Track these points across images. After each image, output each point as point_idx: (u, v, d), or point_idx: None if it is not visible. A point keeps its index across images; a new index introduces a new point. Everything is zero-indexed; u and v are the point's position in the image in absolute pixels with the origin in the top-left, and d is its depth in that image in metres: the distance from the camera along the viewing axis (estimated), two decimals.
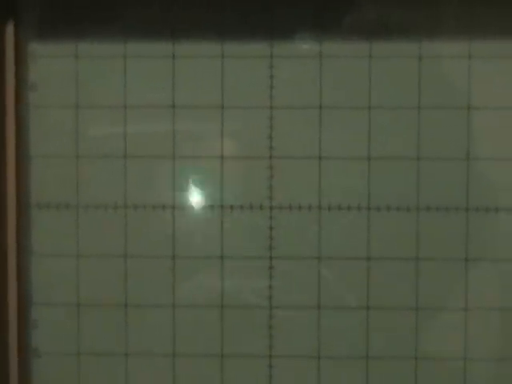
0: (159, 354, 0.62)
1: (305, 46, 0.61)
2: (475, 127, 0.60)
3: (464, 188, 0.61)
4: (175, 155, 0.62)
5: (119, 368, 0.63)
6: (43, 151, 0.62)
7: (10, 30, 0.61)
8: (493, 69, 0.60)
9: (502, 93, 0.60)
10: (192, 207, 0.62)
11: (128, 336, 0.62)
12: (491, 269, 0.61)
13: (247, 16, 0.61)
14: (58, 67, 0.62)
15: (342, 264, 0.61)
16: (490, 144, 0.61)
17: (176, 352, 0.62)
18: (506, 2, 0.60)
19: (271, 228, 0.62)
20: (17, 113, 0.61)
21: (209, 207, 0.62)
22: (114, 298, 0.62)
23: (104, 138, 0.62)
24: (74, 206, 0.62)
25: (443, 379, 0.61)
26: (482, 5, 0.60)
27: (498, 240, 0.61)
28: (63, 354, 0.63)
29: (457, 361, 0.61)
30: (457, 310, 0.61)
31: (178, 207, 0.62)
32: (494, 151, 0.61)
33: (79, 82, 0.62)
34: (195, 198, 0.62)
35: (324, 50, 0.61)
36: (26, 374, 0.63)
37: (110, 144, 0.62)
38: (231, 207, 0.62)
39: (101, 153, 0.62)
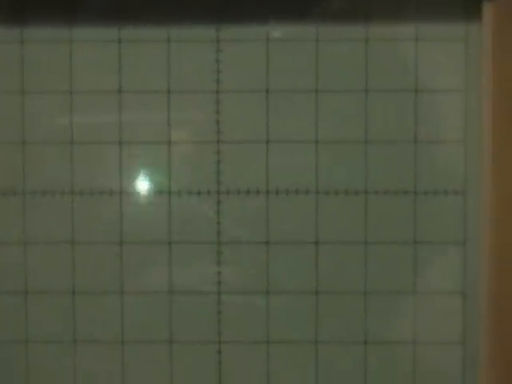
0: (108, 341, 0.62)
1: (251, 29, 0.61)
2: (422, 110, 0.60)
3: (412, 171, 0.60)
4: (122, 141, 0.61)
5: (67, 355, 0.62)
6: None
7: None
8: (439, 52, 0.60)
9: (448, 76, 0.60)
10: (139, 193, 0.61)
11: (76, 323, 0.62)
12: (439, 252, 0.61)
13: (193, 0, 0.61)
14: (3, 53, 0.61)
15: (290, 248, 0.61)
16: (437, 127, 0.60)
17: (124, 339, 0.62)
18: None
19: (219, 213, 0.61)
20: None
21: (157, 193, 0.61)
22: (61, 285, 0.62)
23: (51, 124, 0.61)
24: (21, 193, 0.62)
25: (392, 363, 0.61)
26: None
27: (446, 223, 0.61)
28: (11, 341, 0.62)
29: (406, 345, 0.61)
30: (406, 294, 0.61)
31: (125, 193, 0.61)
32: (440, 134, 0.60)
33: (25, 68, 0.61)
34: (143, 183, 0.62)
35: (271, 34, 0.61)
36: None
37: (57, 130, 0.61)
38: (178, 192, 0.61)
39: (48, 139, 0.61)
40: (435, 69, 0.60)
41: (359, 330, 0.61)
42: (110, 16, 0.61)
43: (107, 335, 0.62)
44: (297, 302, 0.61)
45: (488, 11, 0.58)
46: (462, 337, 0.61)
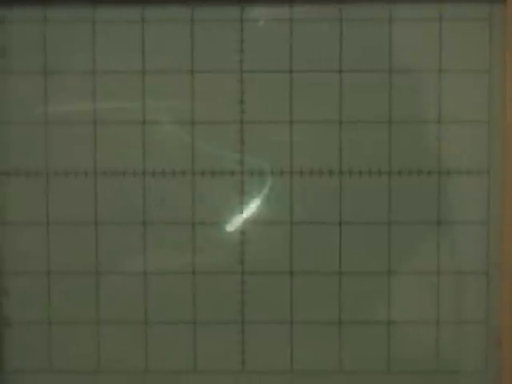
0: (131, 322, 0.62)
1: (275, 9, 0.61)
2: (446, 90, 0.60)
3: (436, 151, 0.61)
4: (145, 121, 0.61)
5: (90, 336, 0.62)
6: (11, 117, 0.61)
7: None
8: (463, 32, 0.60)
9: (473, 56, 0.60)
10: (163, 174, 0.61)
11: (99, 303, 0.62)
12: (463, 231, 0.61)
13: None
14: (26, 32, 0.61)
15: (314, 228, 0.61)
16: (461, 107, 0.61)
17: (148, 320, 0.62)
18: None
19: (243, 194, 0.61)
20: None
21: (180, 173, 0.61)
22: (84, 266, 0.62)
23: (73, 104, 0.61)
24: (44, 174, 0.61)
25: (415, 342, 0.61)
26: None
27: (469, 203, 0.61)
28: (34, 322, 0.62)
29: (431, 324, 0.61)
30: (429, 274, 0.61)
31: (148, 173, 0.61)
32: (464, 114, 0.61)
33: (47, 48, 0.61)
34: (166, 164, 0.61)
35: (294, 14, 0.60)
36: None
37: (79, 110, 0.61)
38: (202, 173, 0.61)
39: (70, 119, 0.61)
40: (459, 49, 0.60)
41: (383, 310, 0.61)
42: None
43: (131, 315, 0.62)
44: (320, 282, 0.61)
45: None
46: (486, 316, 0.61)
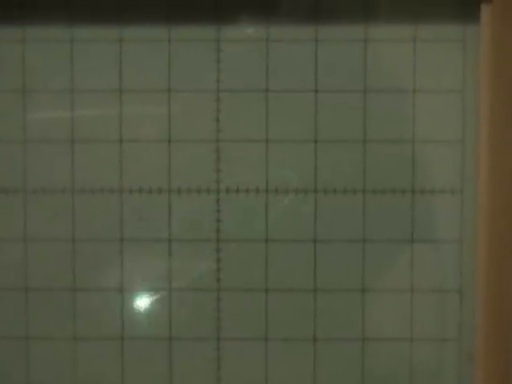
0: (108, 338, 0.62)
1: (251, 29, 0.61)
2: (420, 110, 0.61)
3: (410, 171, 0.61)
4: (122, 139, 0.62)
5: (67, 352, 0.62)
6: None
7: None
8: (437, 52, 0.61)
9: (446, 76, 0.61)
10: (139, 191, 0.62)
11: (76, 320, 0.62)
12: (437, 250, 0.62)
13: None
14: (4, 51, 0.61)
15: (288, 247, 0.62)
16: (434, 127, 0.61)
17: (125, 335, 0.62)
18: None
19: (218, 211, 0.62)
20: None
21: (156, 190, 0.62)
22: (61, 282, 0.62)
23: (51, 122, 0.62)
24: (21, 191, 0.62)
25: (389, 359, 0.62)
26: None
27: (442, 221, 0.61)
28: (11, 338, 0.63)
29: (403, 341, 0.62)
30: (402, 292, 0.62)
31: (125, 191, 0.62)
32: (438, 134, 0.61)
33: (26, 67, 0.62)
34: (142, 181, 0.62)
35: (271, 34, 0.61)
36: None
37: (57, 128, 0.62)
38: (178, 191, 0.62)
39: (47, 137, 0.62)
40: (433, 69, 0.61)
41: (357, 328, 0.62)
42: (110, 15, 0.61)
43: (107, 332, 0.62)
44: (295, 299, 0.62)
45: (485, 12, 0.59)
46: (458, 333, 0.62)
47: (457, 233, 0.61)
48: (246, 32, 0.61)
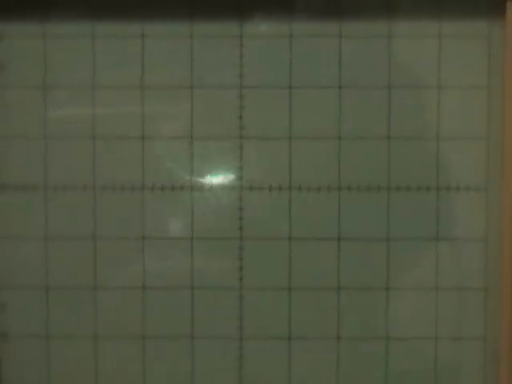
0: (129, 337, 0.62)
1: (274, 25, 0.61)
2: (445, 107, 0.60)
3: (434, 168, 0.61)
4: (144, 136, 0.61)
5: (88, 351, 0.62)
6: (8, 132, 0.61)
7: None
8: (463, 49, 0.60)
9: (471, 73, 0.60)
10: (162, 188, 0.61)
11: (97, 318, 0.62)
12: (461, 248, 0.61)
13: None
14: (25, 47, 0.61)
15: (312, 244, 0.61)
16: (459, 123, 0.61)
17: (146, 334, 0.62)
18: None
19: (241, 209, 0.61)
20: None
21: (179, 188, 0.61)
22: (83, 281, 0.62)
23: (72, 118, 0.61)
24: (42, 187, 0.61)
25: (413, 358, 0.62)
26: None
27: (467, 219, 0.61)
28: (32, 337, 0.62)
29: (425, 340, 0.61)
30: (427, 290, 0.61)
31: (147, 188, 0.61)
32: (463, 131, 0.61)
33: (47, 63, 0.61)
34: (165, 178, 0.61)
35: (294, 31, 0.61)
36: None
37: (78, 125, 0.61)
38: (201, 188, 0.61)
39: (69, 134, 0.61)
40: (458, 66, 0.60)
41: (381, 326, 0.61)
42: (132, 11, 0.60)
43: (128, 331, 0.62)
44: (318, 298, 0.61)
45: (511, 8, 0.59)
46: (484, 332, 0.61)
47: (482, 231, 0.61)
48: (268, 27, 0.61)
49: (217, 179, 0.61)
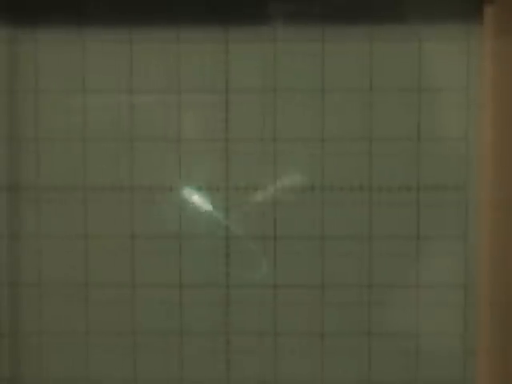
0: (120, 333, 0.64)
1: (258, 30, 0.62)
2: (425, 108, 0.62)
3: (415, 168, 0.62)
4: (133, 138, 0.63)
5: (79, 346, 0.64)
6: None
7: None
8: (441, 52, 0.62)
9: (450, 75, 0.62)
10: (150, 190, 0.63)
11: (88, 315, 0.64)
12: (441, 246, 0.63)
13: (203, 1, 0.62)
14: (16, 51, 0.63)
15: (296, 243, 0.63)
16: (439, 125, 0.62)
17: (136, 330, 0.64)
18: None
19: (227, 209, 0.63)
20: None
21: (167, 189, 0.63)
22: (75, 278, 0.64)
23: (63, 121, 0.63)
24: (34, 188, 0.64)
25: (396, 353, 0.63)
26: None
27: (447, 217, 0.63)
28: (25, 333, 0.64)
29: (409, 336, 0.63)
30: (409, 287, 0.63)
31: (136, 189, 0.63)
32: (443, 131, 0.62)
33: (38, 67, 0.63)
34: (153, 180, 0.63)
35: (279, 35, 0.62)
36: None
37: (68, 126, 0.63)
38: (188, 189, 0.63)
39: (59, 136, 0.63)
40: (438, 68, 0.62)
41: (363, 322, 0.63)
42: (121, 16, 0.62)
43: (119, 327, 0.64)
44: (303, 295, 0.63)
45: (488, 13, 0.60)
46: (463, 328, 0.63)
47: (461, 229, 0.62)
48: (253, 32, 0.62)
49: (204, 180, 0.63)
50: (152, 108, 0.63)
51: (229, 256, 0.63)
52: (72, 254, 0.64)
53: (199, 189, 0.63)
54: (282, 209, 0.63)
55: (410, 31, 0.62)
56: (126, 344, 0.64)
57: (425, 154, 0.62)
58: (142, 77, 0.63)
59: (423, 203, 0.62)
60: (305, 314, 0.63)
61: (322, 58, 0.62)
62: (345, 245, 0.63)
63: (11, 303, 0.64)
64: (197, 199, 0.63)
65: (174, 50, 0.63)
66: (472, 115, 0.62)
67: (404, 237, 0.63)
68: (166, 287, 0.64)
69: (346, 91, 0.62)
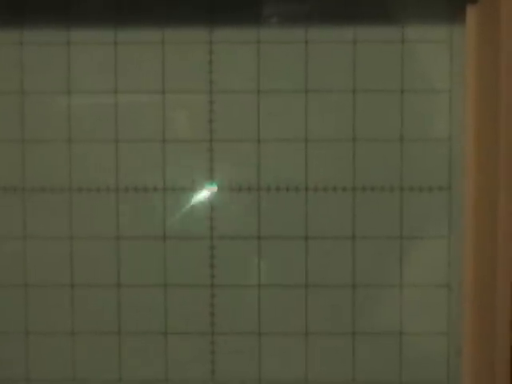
0: (105, 333, 0.64)
1: (243, 31, 0.63)
2: (408, 109, 0.62)
3: (398, 169, 0.63)
4: (118, 139, 0.63)
5: (65, 346, 0.64)
6: None
7: None
8: (425, 53, 0.62)
9: (434, 76, 0.62)
10: (134, 190, 0.63)
11: (74, 315, 0.64)
12: (425, 246, 0.63)
13: (187, 2, 0.63)
14: (1, 54, 0.63)
15: (280, 243, 0.63)
16: (422, 125, 0.63)
17: (121, 331, 0.64)
18: None
19: (212, 209, 0.63)
20: None
21: (152, 189, 0.63)
22: (60, 279, 0.64)
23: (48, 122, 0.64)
24: (21, 189, 0.64)
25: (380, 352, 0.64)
26: None
27: (431, 218, 0.63)
28: (10, 334, 0.64)
29: (394, 335, 0.63)
30: (393, 287, 0.63)
31: (121, 190, 0.63)
32: (426, 132, 0.63)
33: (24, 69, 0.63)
34: (138, 181, 0.63)
35: (263, 36, 0.63)
36: None
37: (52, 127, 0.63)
38: (173, 189, 0.63)
39: (45, 136, 0.63)
40: (421, 70, 0.62)
41: (347, 321, 0.63)
42: (106, 18, 0.63)
43: (103, 326, 0.64)
44: (287, 295, 0.63)
45: (471, 14, 0.61)
46: (447, 327, 0.63)
47: (444, 229, 0.63)
48: (237, 33, 0.63)
49: (188, 181, 0.63)
50: (137, 109, 0.63)
51: (213, 257, 0.63)
52: (57, 255, 0.64)
53: (184, 189, 0.63)
54: (267, 209, 0.63)
55: (393, 32, 0.62)
56: (111, 344, 0.64)
57: (408, 155, 0.63)
58: (128, 78, 0.63)
59: (407, 203, 0.63)
60: (289, 314, 0.63)
61: (306, 59, 0.63)
62: (329, 245, 0.63)
63: None
64: (181, 199, 0.63)
65: (159, 51, 0.63)
66: (456, 116, 0.62)
67: (388, 237, 0.63)
68: (151, 288, 0.64)
69: (330, 92, 0.63)
